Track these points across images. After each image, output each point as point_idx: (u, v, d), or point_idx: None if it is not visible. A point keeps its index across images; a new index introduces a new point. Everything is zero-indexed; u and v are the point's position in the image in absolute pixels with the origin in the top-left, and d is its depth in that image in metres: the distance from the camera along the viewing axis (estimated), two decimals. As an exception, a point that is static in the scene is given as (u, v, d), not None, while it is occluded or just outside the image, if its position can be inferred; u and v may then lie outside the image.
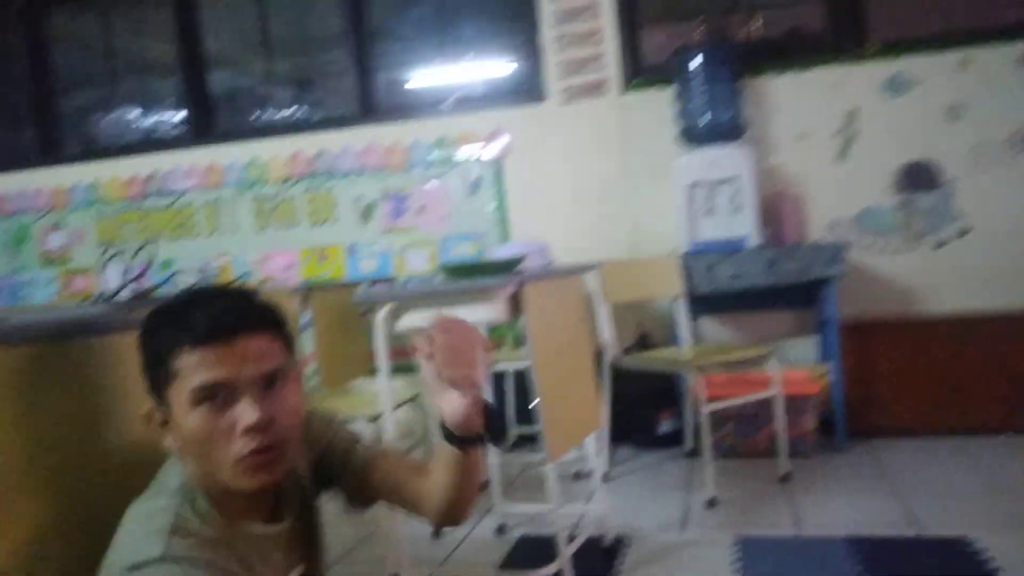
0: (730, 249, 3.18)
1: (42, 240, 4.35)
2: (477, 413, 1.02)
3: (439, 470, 1.06)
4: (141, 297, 2.10)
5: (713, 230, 3.31)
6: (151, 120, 4.40)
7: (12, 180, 4.37)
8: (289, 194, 4.01)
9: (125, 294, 2.12)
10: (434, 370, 0.98)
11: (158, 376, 0.93)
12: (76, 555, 1.02)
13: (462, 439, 1.02)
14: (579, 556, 2.03)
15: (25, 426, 1.04)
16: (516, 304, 1.92)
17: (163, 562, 0.84)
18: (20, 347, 1.05)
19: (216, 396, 0.90)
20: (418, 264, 3.87)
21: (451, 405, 1.00)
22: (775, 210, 3.41)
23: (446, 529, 1.12)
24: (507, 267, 2.06)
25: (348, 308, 3.05)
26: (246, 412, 0.90)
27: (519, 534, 2.50)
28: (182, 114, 4.25)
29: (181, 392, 0.91)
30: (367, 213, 3.92)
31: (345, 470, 1.12)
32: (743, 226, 3.26)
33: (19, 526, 1.03)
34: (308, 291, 2.79)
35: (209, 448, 0.91)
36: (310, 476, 1.11)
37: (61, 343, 1.10)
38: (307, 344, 2.79)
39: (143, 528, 0.89)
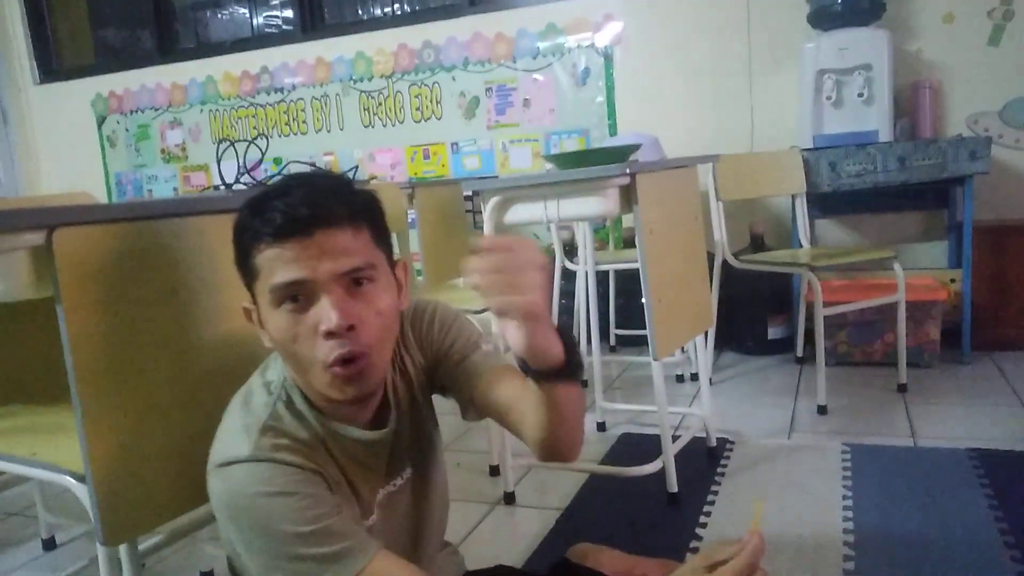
0: (858, 144, 2.94)
1: (162, 137, 4.52)
2: (547, 341, 0.83)
3: (531, 406, 0.92)
4: (257, 187, 2.12)
5: (840, 123, 3.07)
6: (260, 16, 4.41)
7: (133, 78, 4.52)
8: (394, 89, 3.98)
9: (240, 186, 2.16)
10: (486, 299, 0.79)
11: (245, 272, 0.88)
12: (190, 435, 1.06)
13: (538, 372, 0.86)
14: (682, 456, 2.01)
15: (134, 302, 1.07)
16: (628, 196, 1.84)
17: (248, 462, 0.83)
18: (125, 223, 1.07)
19: (296, 296, 0.83)
20: (521, 161, 3.79)
21: (512, 336, 0.81)
22: (911, 101, 3.12)
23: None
24: (620, 155, 1.96)
25: (452, 206, 3.04)
26: (326, 315, 0.82)
27: (620, 432, 2.50)
28: (289, 10, 4.23)
29: (263, 290, 0.85)
30: (471, 108, 3.85)
31: (456, 380, 1.03)
32: (874, 119, 3.00)
33: (135, 403, 1.08)
34: (413, 188, 2.77)
35: (294, 351, 0.85)
36: (421, 379, 1.04)
37: (167, 220, 1.12)
38: (413, 242, 2.81)
39: (238, 424, 0.87)
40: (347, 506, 0.89)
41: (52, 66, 4.80)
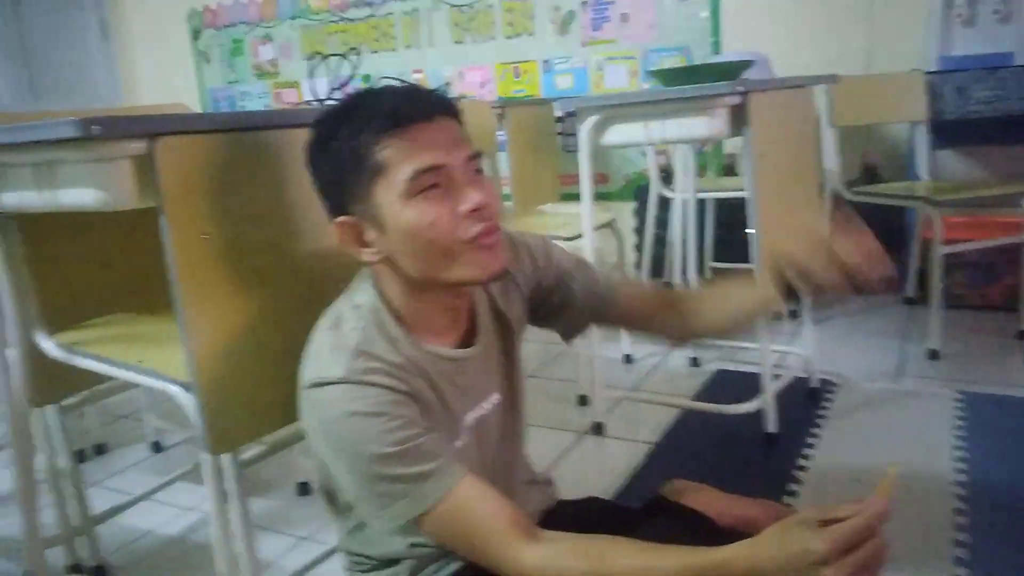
0: (990, 67, 2.67)
1: (254, 52, 4.52)
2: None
3: (729, 305, 1.05)
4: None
5: (971, 43, 2.79)
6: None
7: (225, -8, 4.50)
8: (486, 3, 3.83)
9: (331, 102, 2.12)
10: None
11: (357, 178, 0.84)
12: (290, 348, 1.05)
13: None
14: (782, 396, 1.92)
15: (235, 213, 1.05)
16: (738, 118, 1.71)
17: (341, 383, 0.81)
18: (221, 134, 1.05)
19: (435, 183, 0.82)
20: (617, 81, 3.63)
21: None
22: (1057, 20, 2.80)
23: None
24: (730, 72, 1.83)
25: (541, 128, 2.94)
26: (469, 194, 0.82)
27: (714, 368, 2.42)
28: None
29: (393, 185, 0.82)
30: (566, 23, 3.68)
31: (580, 305, 1.03)
32: (1010, 39, 2.72)
33: (237, 314, 1.07)
34: (503, 108, 2.68)
35: (432, 239, 0.82)
36: (516, 308, 1.02)
37: (268, 132, 1.09)
38: (503, 165, 2.74)
39: (330, 344, 0.86)
40: (437, 430, 0.87)
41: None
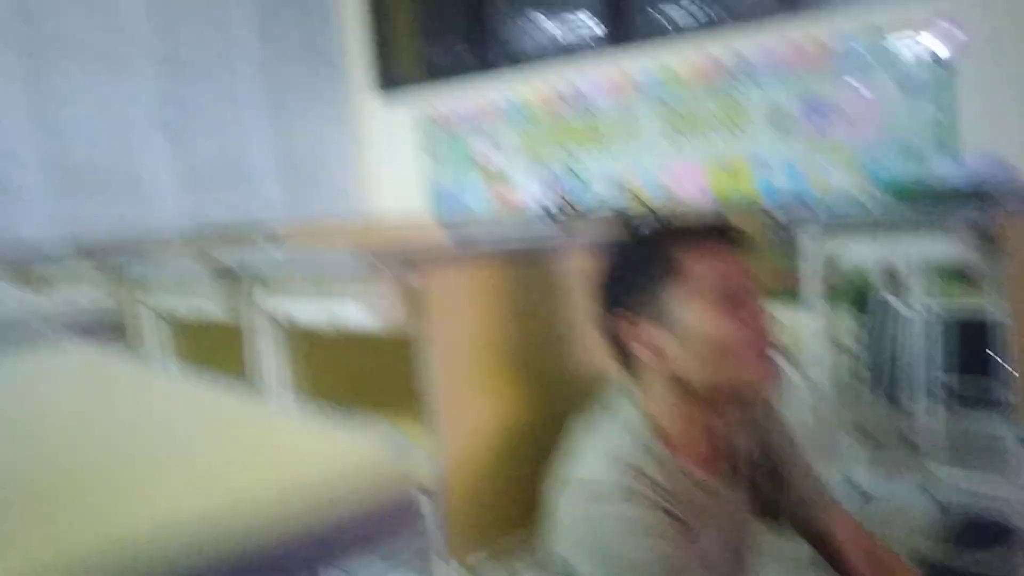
0: None
1: (475, 152, 4.84)
2: None
3: None
4: (570, 212, 2.20)
5: None
6: (565, 28, 4.44)
7: (454, 91, 4.83)
8: (698, 102, 3.88)
9: (557, 210, 2.24)
10: None
11: (657, 284, 0.93)
12: (534, 458, 1.11)
13: None
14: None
15: (507, 326, 1.15)
16: (987, 240, 1.60)
17: (614, 492, 0.86)
18: (501, 265, 1.15)
19: (733, 296, 0.92)
20: (836, 181, 3.50)
21: None
22: None
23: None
24: (977, 195, 1.72)
25: (756, 226, 2.88)
26: (757, 310, 0.93)
27: (966, 514, 2.15)
28: (595, 20, 4.24)
29: (695, 293, 0.92)
30: (781, 121, 3.63)
31: (773, 485, 1.06)
32: None
33: (486, 426, 1.15)
34: (719, 210, 2.67)
35: (727, 343, 0.91)
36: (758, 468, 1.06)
37: (533, 261, 1.19)
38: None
39: (600, 450, 0.92)
40: (690, 555, 0.90)
41: (385, 78, 5.24)
